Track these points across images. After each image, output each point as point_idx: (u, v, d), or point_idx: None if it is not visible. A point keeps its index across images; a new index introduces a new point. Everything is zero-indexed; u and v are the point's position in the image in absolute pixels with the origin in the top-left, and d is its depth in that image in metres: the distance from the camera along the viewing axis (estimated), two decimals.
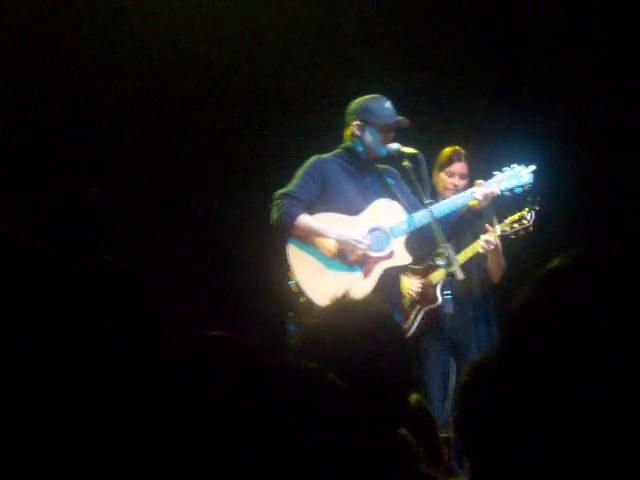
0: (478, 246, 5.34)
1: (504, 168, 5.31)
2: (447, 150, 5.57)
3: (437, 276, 5.37)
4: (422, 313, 5.35)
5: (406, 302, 5.39)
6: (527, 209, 5.31)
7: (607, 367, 1.08)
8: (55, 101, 6.19)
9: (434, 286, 5.37)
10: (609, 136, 6.36)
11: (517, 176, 5.27)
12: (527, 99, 6.61)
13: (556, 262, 1.18)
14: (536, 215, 5.29)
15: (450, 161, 5.53)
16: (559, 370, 1.09)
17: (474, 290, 5.46)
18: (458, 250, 5.31)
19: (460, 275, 4.77)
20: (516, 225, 5.31)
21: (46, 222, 5.48)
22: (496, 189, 5.15)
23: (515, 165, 5.31)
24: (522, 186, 5.26)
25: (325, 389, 1.34)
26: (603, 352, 1.08)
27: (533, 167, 5.29)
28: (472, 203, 5.12)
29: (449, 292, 4.86)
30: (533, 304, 1.15)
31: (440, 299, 5.32)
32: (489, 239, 5.31)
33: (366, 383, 1.90)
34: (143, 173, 6.40)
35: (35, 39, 6.04)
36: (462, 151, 5.58)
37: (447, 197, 5.38)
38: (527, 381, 1.13)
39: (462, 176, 5.52)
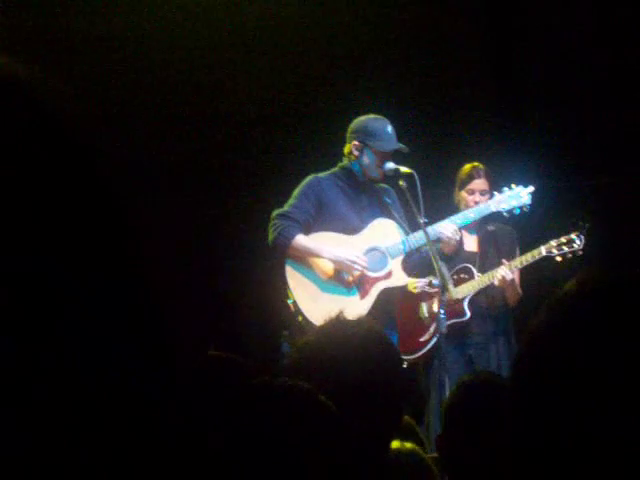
0: (490, 278, 5.30)
1: (503, 188, 5.31)
2: (466, 167, 5.52)
3: (464, 290, 5.33)
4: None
5: (422, 314, 5.34)
6: (575, 233, 5.27)
7: (621, 396, 1.06)
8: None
9: (461, 300, 5.32)
10: (610, 155, 6.37)
11: (516, 197, 5.27)
12: (527, 119, 6.62)
13: (570, 285, 1.16)
14: (585, 239, 5.26)
15: (470, 178, 5.48)
16: (572, 397, 1.07)
17: (495, 306, 5.42)
18: (484, 270, 5.33)
19: (454, 294, 4.76)
20: (565, 247, 5.24)
21: None
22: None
23: (514, 185, 5.31)
24: (521, 207, 5.26)
25: (312, 409, 1.33)
26: (618, 380, 1.06)
27: (532, 188, 5.29)
28: None
29: (443, 312, 4.82)
30: (548, 329, 1.13)
31: (469, 314, 5.27)
32: (505, 274, 5.26)
33: (359, 401, 1.88)
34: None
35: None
36: (481, 167, 5.51)
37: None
38: (536, 404, 1.11)
39: (482, 192, 5.46)
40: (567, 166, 6.44)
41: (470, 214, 5.21)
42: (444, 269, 4.75)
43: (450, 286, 4.72)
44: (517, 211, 5.26)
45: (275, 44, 6.39)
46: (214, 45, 6.34)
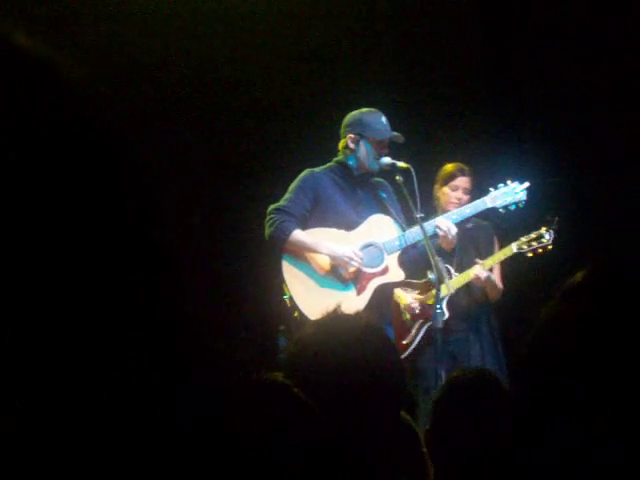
0: (466, 278, 5.33)
1: (499, 185, 5.31)
2: (450, 165, 5.54)
3: (443, 291, 5.33)
4: (425, 327, 5.32)
5: (406, 316, 5.34)
6: (545, 228, 5.27)
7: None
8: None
9: (440, 301, 5.32)
10: (605, 151, 6.38)
11: (511, 193, 5.27)
12: (521, 115, 6.63)
13: (579, 276, 1.14)
14: (555, 234, 5.26)
15: (454, 176, 5.49)
16: (582, 387, 1.06)
17: (475, 304, 5.43)
18: (461, 268, 5.33)
19: (446, 291, 4.76)
20: (534, 243, 5.25)
21: None
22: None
23: (509, 182, 5.31)
24: (516, 203, 5.26)
25: (286, 403, 1.32)
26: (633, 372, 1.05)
27: (527, 184, 5.29)
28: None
29: (440, 307, 4.83)
30: (558, 320, 1.12)
31: (447, 314, 5.28)
32: (478, 273, 5.28)
33: (356, 395, 1.88)
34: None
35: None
36: (466, 167, 5.54)
37: (448, 212, 5.40)
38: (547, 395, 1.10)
39: (465, 191, 5.47)
40: (542, 163, 6.43)
41: (466, 210, 5.21)
42: (441, 264, 4.75)
43: (447, 281, 4.72)
44: (513, 207, 5.27)
45: (274, 36, 6.39)
46: (214, 45, 6.34)
